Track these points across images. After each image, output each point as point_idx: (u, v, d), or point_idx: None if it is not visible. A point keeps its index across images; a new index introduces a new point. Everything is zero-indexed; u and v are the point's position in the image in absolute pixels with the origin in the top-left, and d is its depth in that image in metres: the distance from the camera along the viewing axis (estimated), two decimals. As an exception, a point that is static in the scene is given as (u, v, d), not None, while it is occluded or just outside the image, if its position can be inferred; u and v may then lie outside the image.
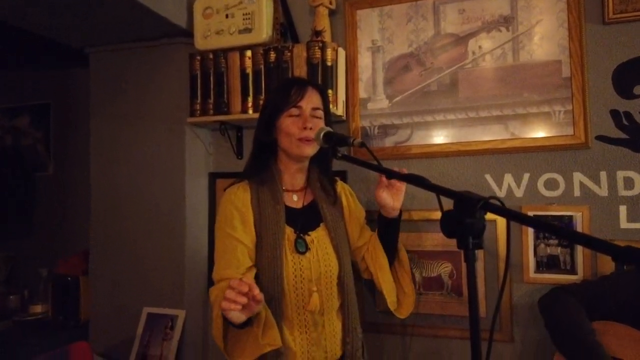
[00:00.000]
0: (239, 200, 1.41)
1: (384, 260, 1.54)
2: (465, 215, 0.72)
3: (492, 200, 0.73)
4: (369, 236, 1.62)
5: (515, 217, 0.73)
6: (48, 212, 2.86)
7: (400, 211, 1.53)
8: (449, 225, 0.75)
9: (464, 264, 0.94)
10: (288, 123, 1.40)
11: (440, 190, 0.86)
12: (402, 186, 1.46)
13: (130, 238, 2.17)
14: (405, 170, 1.34)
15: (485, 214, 0.74)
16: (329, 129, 1.35)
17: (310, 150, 1.42)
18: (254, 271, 1.38)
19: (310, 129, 1.38)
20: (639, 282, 1.47)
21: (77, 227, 2.71)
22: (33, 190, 2.89)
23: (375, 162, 1.25)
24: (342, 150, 1.30)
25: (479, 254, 1.80)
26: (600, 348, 1.39)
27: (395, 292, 1.58)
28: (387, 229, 1.55)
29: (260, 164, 1.46)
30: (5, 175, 2.93)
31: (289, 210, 1.44)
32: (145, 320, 2.10)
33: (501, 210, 0.73)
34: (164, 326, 2.07)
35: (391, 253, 1.58)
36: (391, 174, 1.01)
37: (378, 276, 1.54)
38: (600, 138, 1.71)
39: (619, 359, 1.39)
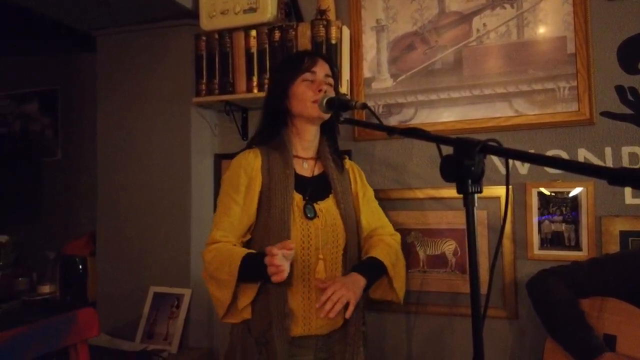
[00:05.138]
0: (249, 166, 1.42)
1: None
2: (464, 158, 0.72)
3: (490, 143, 0.74)
4: (377, 223, 1.59)
5: (513, 155, 0.74)
6: (56, 196, 2.89)
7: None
8: (448, 168, 0.76)
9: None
10: (303, 88, 1.42)
11: (439, 140, 0.87)
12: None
13: (137, 219, 2.20)
14: None
15: (485, 157, 0.75)
16: (330, 95, 1.37)
17: (322, 111, 1.42)
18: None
19: (325, 92, 1.41)
20: (626, 265, 1.45)
21: (85, 210, 2.73)
22: (41, 175, 2.92)
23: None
24: (344, 115, 1.31)
25: (483, 230, 1.80)
26: (589, 330, 1.37)
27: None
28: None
29: (272, 131, 1.48)
30: (14, 160, 2.97)
31: (299, 177, 1.45)
32: (151, 299, 2.12)
33: (499, 150, 0.73)
34: (170, 305, 2.10)
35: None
36: (392, 131, 1.02)
37: None
38: (605, 114, 1.70)
39: (612, 335, 1.38)
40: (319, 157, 1.53)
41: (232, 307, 1.39)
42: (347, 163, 1.62)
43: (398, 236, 1.61)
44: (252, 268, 1.29)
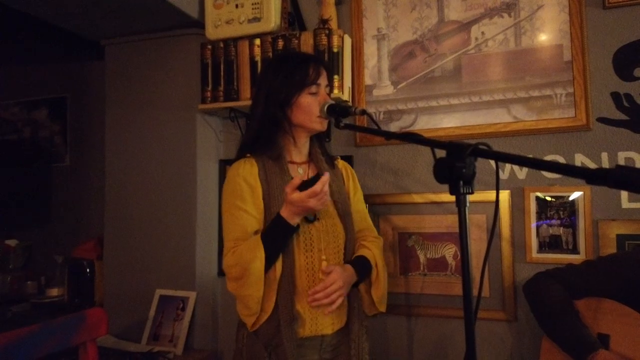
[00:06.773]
0: (247, 174, 1.44)
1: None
2: (456, 160, 0.77)
3: (480, 146, 0.78)
4: (362, 225, 1.62)
5: (502, 157, 0.78)
6: (64, 201, 2.95)
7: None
8: (441, 170, 0.80)
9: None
10: (310, 101, 1.44)
11: (433, 144, 0.92)
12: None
13: (143, 223, 2.24)
14: None
15: (476, 160, 0.79)
16: (331, 101, 1.41)
17: (326, 125, 1.49)
18: None
19: None
20: (620, 267, 1.48)
21: (92, 215, 2.79)
22: (50, 180, 2.98)
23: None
24: (344, 121, 1.36)
25: (482, 234, 1.84)
26: (583, 329, 1.41)
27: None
28: None
29: (266, 139, 1.48)
30: (24, 166, 3.03)
31: None
32: (157, 302, 2.17)
33: (489, 152, 0.77)
34: (175, 307, 2.14)
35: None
36: (389, 135, 1.06)
37: None
38: (601, 120, 1.74)
39: (606, 334, 1.41)
40: (311, 159, 1.56)
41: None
42: (340, 163, 1.65)
43: (381, 240, 1.63)
44: (275, 228, 1.34)
